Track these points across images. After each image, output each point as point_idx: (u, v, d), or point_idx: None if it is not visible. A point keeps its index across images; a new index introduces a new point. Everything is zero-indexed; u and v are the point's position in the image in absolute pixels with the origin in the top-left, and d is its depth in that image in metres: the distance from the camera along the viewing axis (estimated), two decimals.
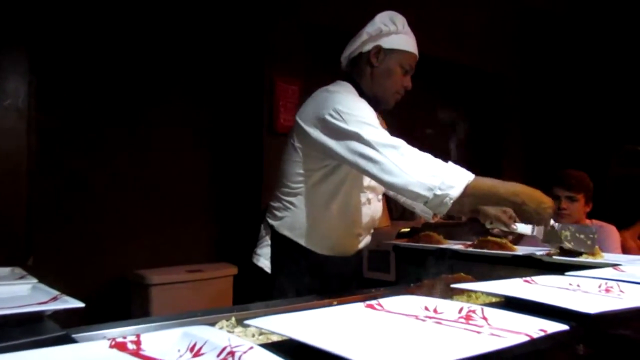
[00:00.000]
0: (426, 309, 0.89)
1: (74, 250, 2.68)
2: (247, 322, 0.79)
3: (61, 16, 2.66)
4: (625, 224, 3.21)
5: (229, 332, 0.94)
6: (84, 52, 2.75)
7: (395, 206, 2.95)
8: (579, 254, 1.59)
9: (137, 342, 0.67)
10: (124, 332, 0.99)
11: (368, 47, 1.65)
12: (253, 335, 0.96)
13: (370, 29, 1.65)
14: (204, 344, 0.65)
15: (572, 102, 4.90)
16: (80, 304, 0.85)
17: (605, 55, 4.67)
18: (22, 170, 2.52)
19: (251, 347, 0.61)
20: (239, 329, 1.02)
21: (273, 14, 3.25)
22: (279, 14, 3.27)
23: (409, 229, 2.48)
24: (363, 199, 1.66)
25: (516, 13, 4.90)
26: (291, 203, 1.64)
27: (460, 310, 0.86)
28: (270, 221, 1.69)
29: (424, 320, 0.83)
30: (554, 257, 1.63)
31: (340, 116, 1.45)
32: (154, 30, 2.98)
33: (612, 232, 2.47)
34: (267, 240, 1.69)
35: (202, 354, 0.63)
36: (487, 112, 4.97)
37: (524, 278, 1.18)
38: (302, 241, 1.65)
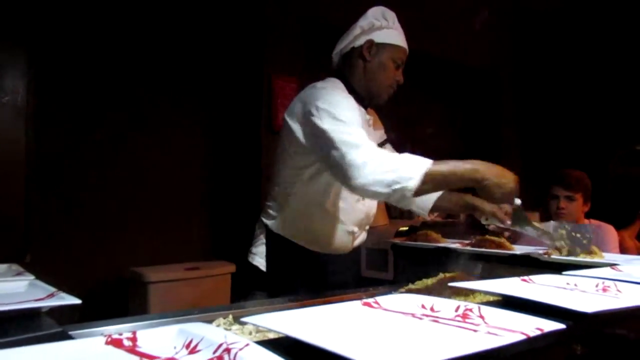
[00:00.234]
0: (423, 307, 0.89)
1: (72, 248, 2.68)
2: (243, 319, 0.79)
3: (60, 13, 2.66)
4: (623, 224, 3.22)
5: (226, 329, 0.95)
6: (82, 49, 2.74)
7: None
8: (575, 253, 1.60)
9: (133, 339, 0.67)
10: (120, 329, 0.99)
11: (360, 41, 1.66)
12: (250, 333, 0.96)
13: (362, 23, 1.66)
14: (200, 341, 0.65)
15: (569, 101, 4.90)
16: (77, 301, 0.85)
17: (602, 53, 4.67)
18: (20, 167, 2.52)
19: (247, 344, 0.61)
20: (236, 327, 1.02)
21: (271, 11, 3.25)
22: (277, 11, 3.26)
23: (407, 228, 2.48)
24: (357, 196, 1.66)
25: (512, 10, 4.90)
26: (284, 201, 1.65)
27: (457, 308, 0.86)
28: (265, 220, 1.70)
29: (420, 319, 0.83)
30: (552, 256, 1.63)
31: (318, 112, 1.45)
32: (152, 29, 2.98)
33: (610, 232, 2.48)
34: (262, 239, 1.69)
35: (198, 351, 0.63)
36: (482, 111, 4.98)
37: (521, 277, 1.18)
38: (296, 239, 1.65)
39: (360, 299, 0.92)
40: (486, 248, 1.80)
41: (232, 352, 0.60)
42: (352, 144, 1.37)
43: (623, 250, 2.85)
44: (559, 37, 4.88)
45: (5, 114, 2.47)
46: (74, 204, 2.71)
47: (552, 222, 1.59)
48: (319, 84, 1.62)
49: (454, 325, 0.78)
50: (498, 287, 1.04)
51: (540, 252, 1.71)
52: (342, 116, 1.43)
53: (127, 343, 0.66)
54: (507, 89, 4.98)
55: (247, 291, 1.62)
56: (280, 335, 0.72)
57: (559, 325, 0.76)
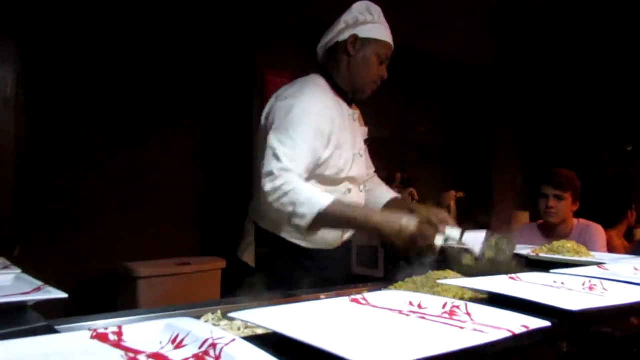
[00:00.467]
0: (410, 304, 0.90)
1: (62, 242, 2.66)
2: (231, 314, 0.79)
3: (51, 5, 2.63)
4: (611, 223, 3.25)
5: (214, 325, 0.94)
6: (73, 42, 2.71)
7: None
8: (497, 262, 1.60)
9: (119, 334, 0.66)
10: (107, 324, 0.98)
11: (345, 35, 1.66)
12: (239, 329, 0.95)
13: (347, 17, 1.66)
14: (186, 336, 0.65)
15: (559, 101, 4.93)
16: (64, 295, 0.85)
17: (597, 54, 4.70)
18: (9, 161, 2.49)
19: (233, 340, 0.61)
20: (224, 322, 1.01)
21: (265, 8, 3.23)
22: (270, 8, 3.25)
23: None
24: (343, 189, 1.66)
25: (508, 10, 4.91)
26: None
27: (444, 305, 0.86)
28: (252, 216, 1.70)
29: (408, 315, 0.83)
30: (540, 254, 1.64)
31: (276, 138, 1.50)
32: (144, 26, 2.95)
33: (598, 231, 2.50)
34: (251, 235, 1.69)
35: (184, 346, 0.63)
36: (476, 110, 4.99)
37: (509, 275, 1.19)
38: (284, 234, 1.64)
39: (349, 295, 0.92)
40: None
41: (218, 347, 0.60)
42: (269, 174, 1.45)
43: (611, 249, 2.88)
44: (552, 38, 4.90)
45: None
46: (64, 197, 2.69)
47: (484, 232, 1.62)
48: (298, 92, 1.61)
49: (440, 322, 0.78)
50: (486, 285, 1.05)
51: (529, 250, 1.72)
52: (287, 144, 1.49)
53: (112, 337, 0.65)
54: (503, 88, 4.99)
55: (237, 287, 1.62)
56: (268, 331, 0.72)
57: (544, 323, 0.77)
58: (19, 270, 1.05)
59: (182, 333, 0.65)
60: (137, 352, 0.61)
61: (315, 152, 1.54)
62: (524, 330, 0.73)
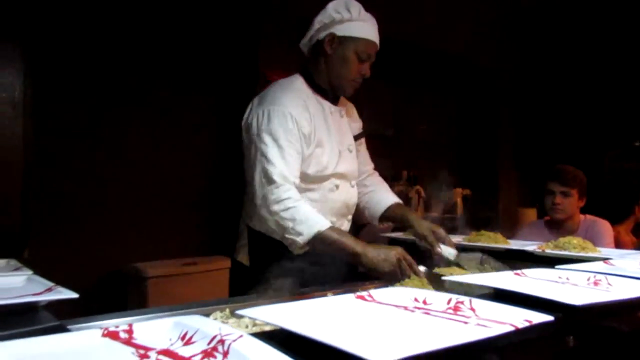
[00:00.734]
0: (415, 300, 0.91)
1: (70, 244, 2.68)
2: (239, 312, 0.80)
3: (56, 8, 2.65)
4: (618, 219, 3.24)
5: (222, 322, 0.96)
6: (79, 46, 2.74)
7: None
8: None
9: (130, 331, 0.68)
10: (118, 322, 1.00)
11: (321, 35, 1.64)
12: (247, 326, 0.97)
13: (322, 17, 1.64)
14: (195, 333, 0.66)
15: (565, 97, 4.91)
16: (74, 295, 0.86)
17: (600, 51, 4.67)
18: (18, 163, 2.52)
19: (241, 336, 0.62)
20: (232, 320, 1.03)
21: (266, 8, 3.24)
22: (271, 8, 3.26)
23: None
24: (330, 185, 1.66)
25: (511, 7, 4.89)
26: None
27: (449, 301, 0.87)
28: (244, 217, 1.71)
29: (412, 311, 0.84)
30: (546, 250, 1.64)
31: (263, 143, 1.54)
32: (148, 27, 2.97)
33: (605, 227, 2.49)
34: (245, 236, 1.70)
35: (193, 342, 0.65)
36: (483, 108, 4.98)
37: (514, 271, 1.19)
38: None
39: (355, 292, 0.93)
40: (482, 242, 1.82)
41: (226, 343, 0.61)
42: (271, 180, 1.48)
43: (619, 245, 2.87)
44: (557, 35, 4.88)
45: (2, 109, 2.48)
46: (73, 199, 2.71)
47: (479, 255, 1.65)
48: (268, 98, 1.64)
49: (445, 318, 0.79)
50: (491, 281, 1.06)
51: (535, 247, 1.72)
52: (274, 155, 1.52)
53: (123, 335, 0.67)
54: (506, 85, 4.98)
55: (235, 287, 1.65)
56: (275, 327, 0.73)
57: (547, 317, 0.77)
58: (30, 272, 1.07)
59: (191, 330, 0.67)
60: (147, 349, 0.63)
61: (301, 153, 1.57)
62: (527, 324, 0.74)
